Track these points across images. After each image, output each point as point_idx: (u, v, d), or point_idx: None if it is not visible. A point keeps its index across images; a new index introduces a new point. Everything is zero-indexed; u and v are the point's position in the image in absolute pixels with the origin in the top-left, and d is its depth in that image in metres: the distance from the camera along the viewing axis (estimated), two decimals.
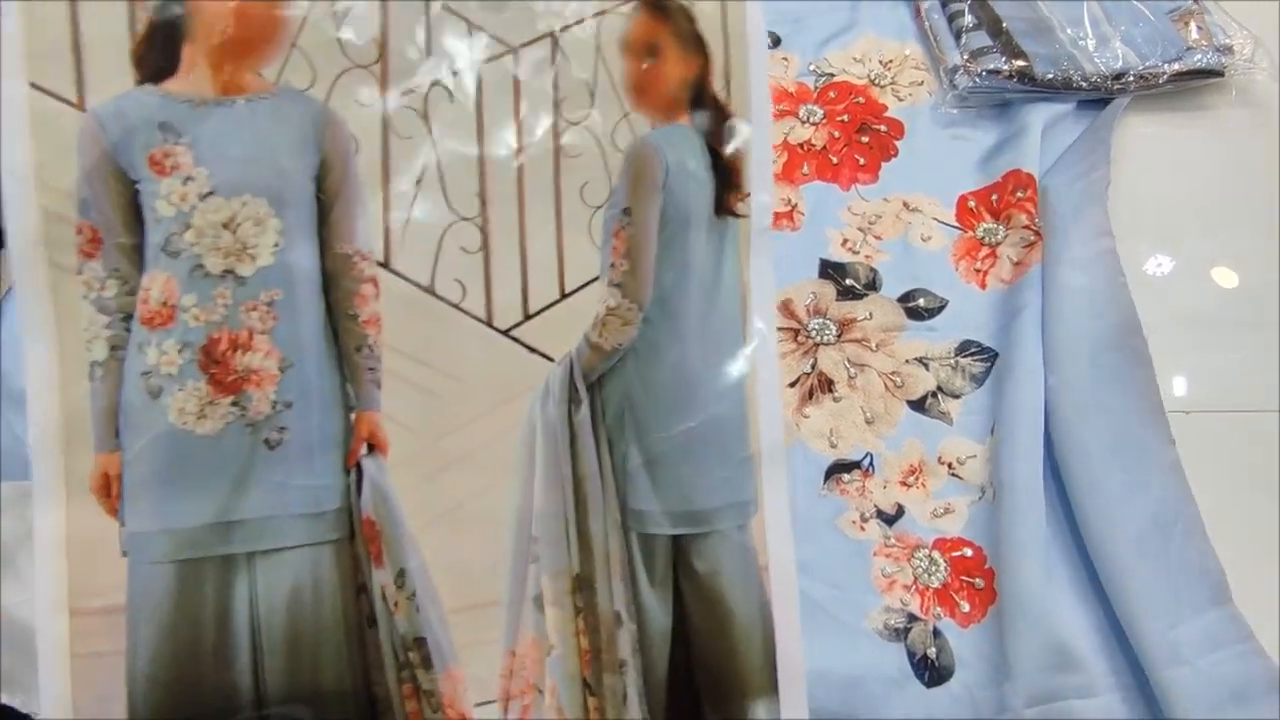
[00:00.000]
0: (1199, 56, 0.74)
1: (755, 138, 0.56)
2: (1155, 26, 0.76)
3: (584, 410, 0.51)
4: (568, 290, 0.53)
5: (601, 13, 0.54)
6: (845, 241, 0.72)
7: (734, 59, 0.56)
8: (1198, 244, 0.70)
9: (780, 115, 0.79)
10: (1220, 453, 0.60)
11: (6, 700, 0.49)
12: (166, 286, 0.45)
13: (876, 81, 0.80)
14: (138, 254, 0.45)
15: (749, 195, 0.56)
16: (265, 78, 0.48)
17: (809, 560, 0.56)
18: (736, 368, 0.55)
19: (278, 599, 0.46)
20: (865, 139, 0.77)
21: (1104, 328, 0.62)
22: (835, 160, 0.76)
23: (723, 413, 0.54)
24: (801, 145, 0.77)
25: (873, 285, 0.69)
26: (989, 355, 0.65)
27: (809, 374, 0.65)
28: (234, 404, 0.46)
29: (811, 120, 0.78)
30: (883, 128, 0.77)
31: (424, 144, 0.51)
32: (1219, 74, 0.74)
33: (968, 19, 0.78)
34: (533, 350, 0.52)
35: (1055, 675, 0.51)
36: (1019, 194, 0.70)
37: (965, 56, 0.76)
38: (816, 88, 0.81)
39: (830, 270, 0.70)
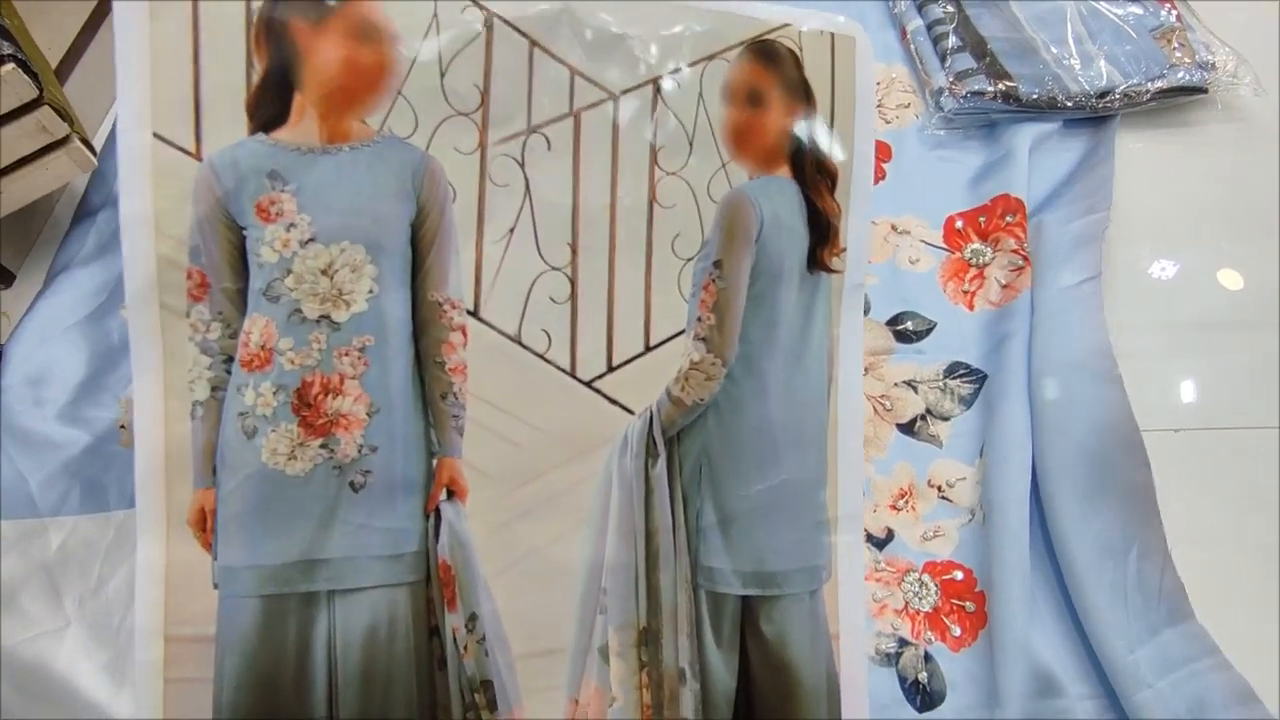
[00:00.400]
0: (1182, 74, 0.76)
1: (856, 190, 0.55)
2: (1138, 45, 0.77)
3: (661, 464, 0.52)
4: (653, 343, 0.53)
5: (708, 58, 0.53)
6: None
7: (839, 107, 0.55)
8: (1194, 254, 0.70)
9: None
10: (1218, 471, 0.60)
11: None
12: (266, 330, 0.47)
13: None
14: (241, 298, 0.47)
15: (844, 250, 0.55)
16: (370, 124, 0.49)
17: None
18: (819, 429, 0.54)
19: (355, 636, 0.48)
20: None
21: (1076, 350, 0.61)
22: None
23: (802, 474, 0.54)
24: None
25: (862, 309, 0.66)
26: (977, 377, 0.65)
27: None
28: (323, 446, 0.47)
29: None
30: None
31: (519, 192, 0.51)
32: (1203, 90, 0.76)
33: (953, 41, 0.79)
34: (613, 402, 0.52)
35: (1040, 700, 0.52)
36: (1008, 218, 0.70)
37: (951, 78, 0.77)
38: None
39: None
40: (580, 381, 0.52)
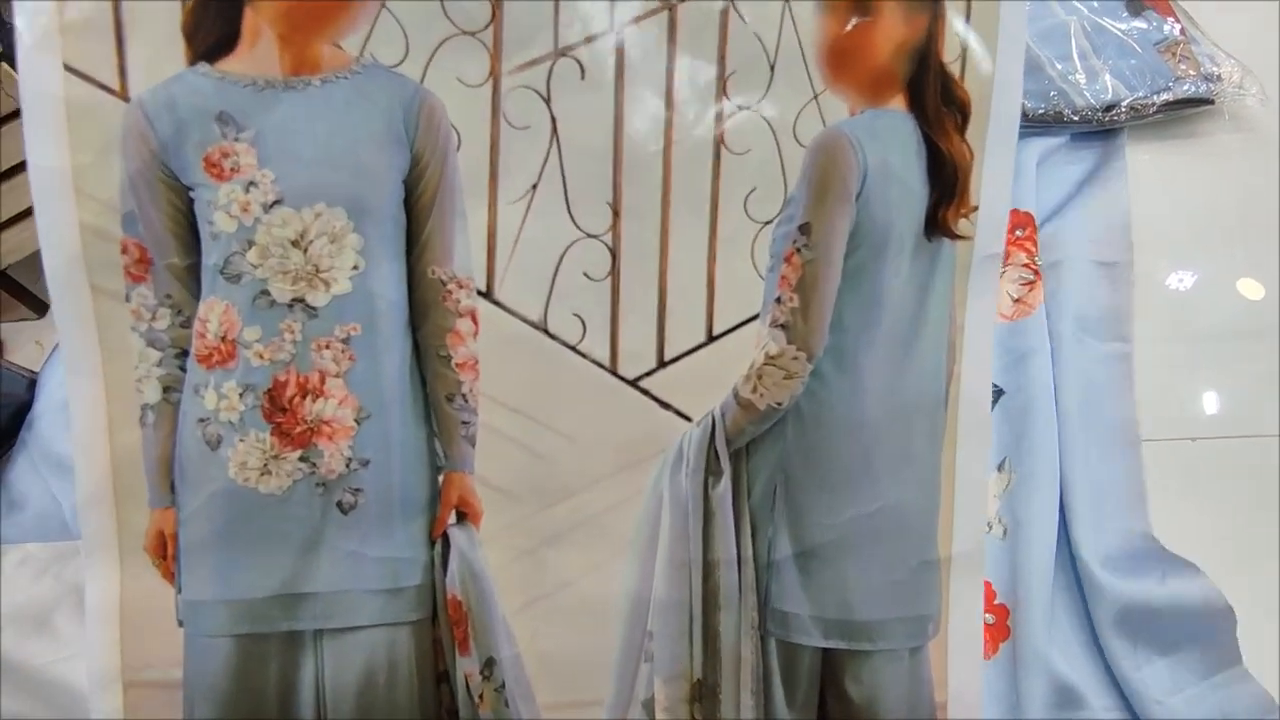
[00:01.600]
0: (1188, 86, 0.81)
1: (996, 128, 0.45)
2: (1143, 59, 0.82)
3: (724, 483, 0.45)
4: (716, 332, 0.45)
5: None
6: None
7: (978, 15, 0.43)
8: (1197, 271, 0.73)
9: None
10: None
11: None
12: (226, 317, 0.40)
13: None
14: (193, 277, 0.41)
15: (976, 209, 0.45)
16: (346, 50, 0.41)
17: None
18: (932, 443, 0.47)
19: (347, 684, 0.43)
20: None
21: (1104, 420, 0.63)
22: None
23: (908, 500, 0.47)
24: None
25: None
26: (993, 390, 0.63)
27: None
28: (302, 459, 0.42)
29: None
30: None
31: (544, 135, 0.43)
32: (1209, 102, 0.81)
33: None
34: (665, 406, 0.46)
35: (1062, 712, 0.51)
36: (1017, 232, 0.72)
37: None
38: None
39: None
40: (623, 380, 0.45)
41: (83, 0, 0.37)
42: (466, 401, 0.43)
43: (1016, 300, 0.70)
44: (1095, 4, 0.88)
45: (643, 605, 0.46)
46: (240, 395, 0.41)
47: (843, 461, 0.45)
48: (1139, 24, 0.85)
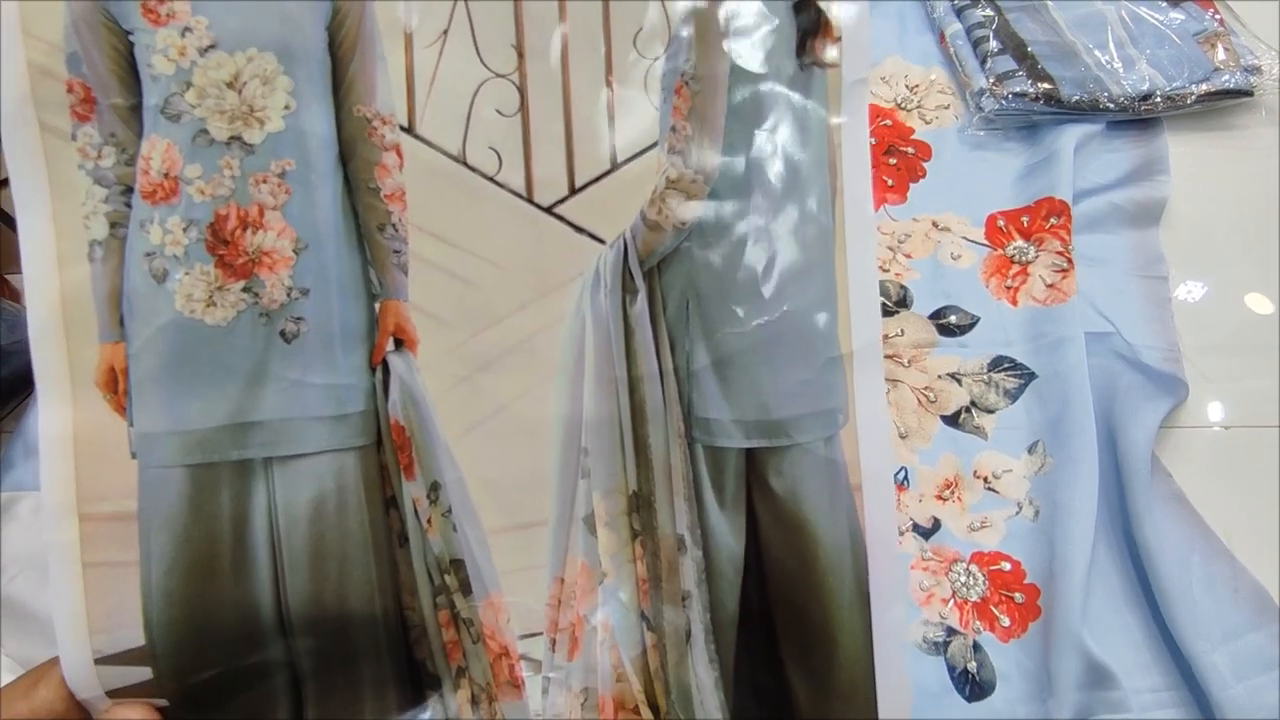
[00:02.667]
0: (1227, 77, 0.81)
1: None
2: (1181, 49, 0.83)
3: (641, 301, 0.49)
4: (620, 159, 0.50)
5: None
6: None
7: None
8: (1232, 267, 0.75)
9: None
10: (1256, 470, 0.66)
11: None
12: (168, 155, 0.44)
13: (903, 105, 0.89)
14: (135, 116, 0.45)
15: (840, 39, 0.51)
16: None
17: None
18: (824, 250, 0.51)
19: (299, 510, 0.46)
20: (893, 160, 0.84)
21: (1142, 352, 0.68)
22: None
23: (807, 304, 0.50)
24: None
25: (904, 302, 0.75)
26: (1024, 373, 0.70)
27: None
28: (245, 289, 0.45)
29: None
30: (910, 150, 0.85)
31: None
32: (1248, 94, 0.81)
33: (992, 44, 0.86)
34: (580, 230, 0.49)
35: (1093, 692, 0.56)
36: (1052, 220, 0.76)
37: (991, 80, 0.84)
38: None
39: None
40: (539, 207, 0.49)
41: None
42: (396, 231, 0.48)
43: (1049, 286, 0.74)
44: None
45: (576, 425, 0.49)
46: (184, 230, 0.45)
47: (745, 274, 0.49)
48: (1177, 15, 0.86)
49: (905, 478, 0.67)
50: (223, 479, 0.46)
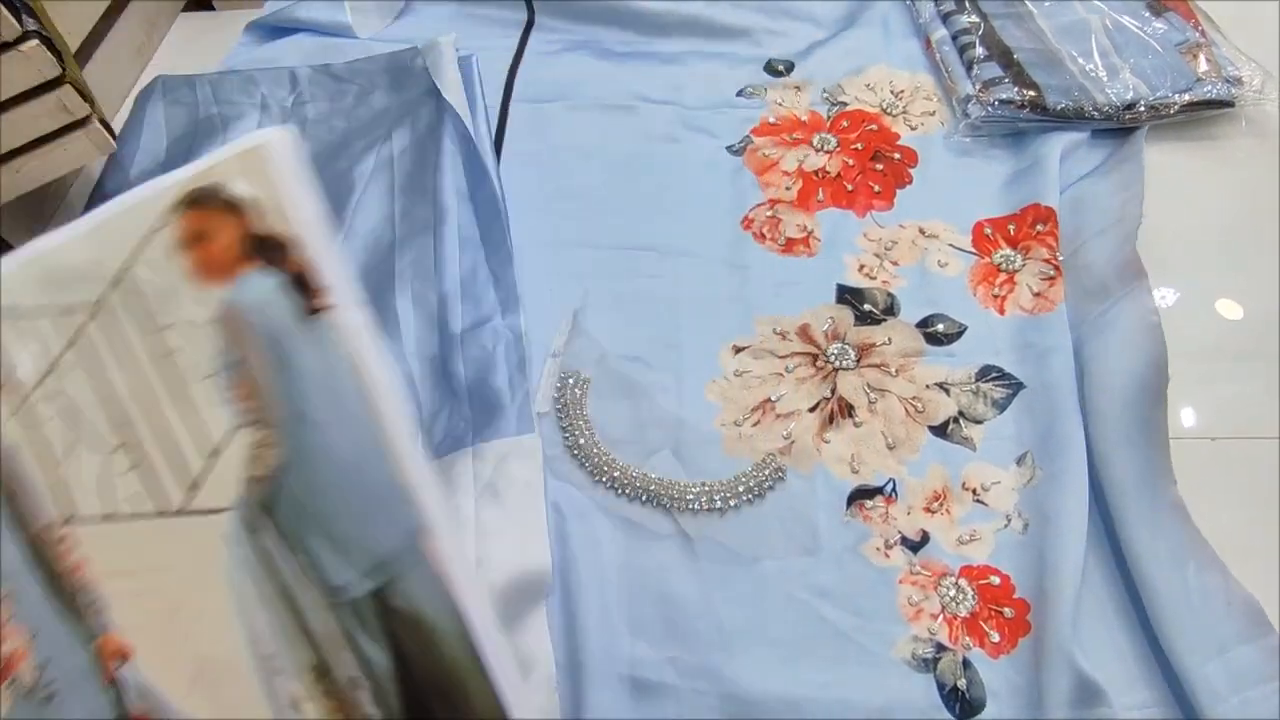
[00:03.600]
0: (1209, 88, 0.83)
1: (309, 238, 0.45)
2: (1164, 58, 0.85)
3: (270, 529, 0.52)
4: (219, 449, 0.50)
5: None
6: (862, 267, 0.79)
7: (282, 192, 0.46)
8: (1206, 275, 0.76)
9: (794, 143, 0.89)
10: (1235, 479, 0.66)
11: None
12: None
13: (889, 110, 0.91)
14: None
15: (328, 288, 0.47)
16: None
17: (832, 587, 0.61)
18: (367, 423, 0.48)
19: None
20: (879, 166, 0.86)
21: (1137, 364, 0.66)
22: (850, 187, 0.85)
23: (360, 456, 0.50)
24: (816, 172, 0.87)
25: (891, 310, 0.76)
26: (1011, 382, 0.71)
27: (828, 399, 0.71)
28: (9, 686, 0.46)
29: (825, 148, 0.89)
30: (896, 155, 0.87)
31: None
32: (1229, 104, 0.83)
33: (979, 50, 0.89)
34: (211, 511, 0.50)
35: (1084, 710, 0.55)
36: (1038, 227, 0.77)
37: (978, 86, 0.86)
38: (829, 116, 0.92)
39: (848, 295, 0.77)
40: (168, 515, 0.49)
41: None
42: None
43: (1037, 294, 0.73)
44: (1117, 3, 0.92)
45: (255, 636, 0.48)
46: None
47: (324, 476, 0.49)
48: (1160, 25, 0.88)
49: (893, 490, 0.66)
50: None
